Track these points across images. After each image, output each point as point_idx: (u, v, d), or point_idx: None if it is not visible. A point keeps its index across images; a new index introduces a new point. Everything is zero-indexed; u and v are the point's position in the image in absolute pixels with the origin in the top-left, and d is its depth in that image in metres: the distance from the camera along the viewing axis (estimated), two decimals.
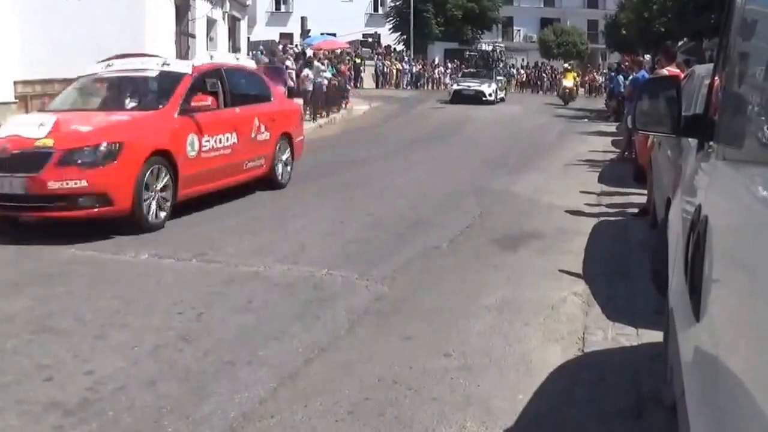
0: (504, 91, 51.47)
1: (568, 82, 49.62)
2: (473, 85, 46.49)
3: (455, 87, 47.11)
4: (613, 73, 36.17)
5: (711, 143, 3.99)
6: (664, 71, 13.54)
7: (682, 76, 11.65)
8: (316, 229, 11.29)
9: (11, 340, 6.60)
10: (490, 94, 45.71)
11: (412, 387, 5.72)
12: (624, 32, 49.51)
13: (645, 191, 11.98)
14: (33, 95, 19.52)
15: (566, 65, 57.79)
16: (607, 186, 15.46)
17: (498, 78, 51.24)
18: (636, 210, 12.35)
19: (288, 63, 30.13)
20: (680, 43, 39.17)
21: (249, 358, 6.24)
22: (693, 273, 3.25)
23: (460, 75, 54.02)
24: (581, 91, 63.09)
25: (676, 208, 4.77)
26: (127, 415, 5.23)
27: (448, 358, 6.32)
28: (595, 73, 66.91)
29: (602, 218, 12.18)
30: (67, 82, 18.76)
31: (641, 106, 4.81)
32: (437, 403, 5.45)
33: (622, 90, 25.72)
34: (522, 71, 71.32)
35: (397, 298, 7.99)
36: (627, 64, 29.55)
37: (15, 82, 19.34)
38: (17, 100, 19.41)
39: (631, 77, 21.61)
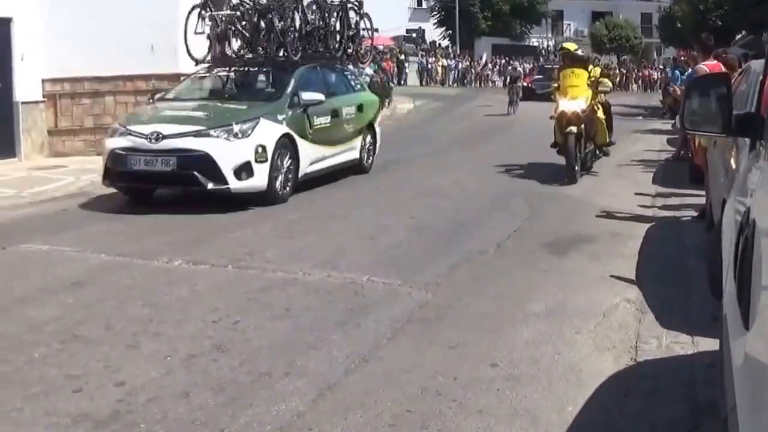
0: None
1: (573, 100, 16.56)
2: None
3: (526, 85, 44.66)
4: (668, 69, 35.68)
5: (762, 142, 3.81)
6: (702, 66, 13.18)
7: (737, 69, 11.32)
8: (357, 232, 11.11)
9: (40, 349, 6.48)
10: None
11: (457, 398, 5.54)
12: (679, 25, 48.84)
13: (702, 192, 11.64)
14: (62, 93, 19.51)
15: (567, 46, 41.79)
16: (662, 187, 15.05)
17: None
18: (694, 212, 11.99)
19: None
20: (738, 37, 38.74)
21: (287, 369, 6.07)
22: (742, 278, 3.17)
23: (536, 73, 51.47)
24: (634, 87, 62.29)
25: (729, 210, 4.65)
26: (160, 427, 5.12)
27: (494, 367, 6.13)
28: (649, 69, 66.04)
29: (657, 221, 11.86)
30: (98, 80, 18.88)
31: (690, 105, 4.74)
32: (483, 416, 5.28)
33: (680, 86, 25.26)
34: None
35: (441, 305, 7.78)
36: (683, 59, 29.06)
37: (43, 81, 19.28)
38: (45, 99, 19.36)
39: (687, 73, 21.15)
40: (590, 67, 16.88)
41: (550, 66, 46.76)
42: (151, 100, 15.09)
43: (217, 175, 12.29)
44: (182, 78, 15.00)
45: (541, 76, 45.47)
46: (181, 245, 10.18)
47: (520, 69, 50.24)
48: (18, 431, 5.07)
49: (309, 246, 10.27)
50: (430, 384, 5.78)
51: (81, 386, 5.72)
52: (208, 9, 15.72)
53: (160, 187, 13.39)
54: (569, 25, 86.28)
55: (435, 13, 74.67)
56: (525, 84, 43.53)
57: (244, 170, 12.44)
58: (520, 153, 20.88)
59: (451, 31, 70.94)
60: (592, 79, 15.90)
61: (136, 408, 5.36)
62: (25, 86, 18.65)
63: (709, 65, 13.12)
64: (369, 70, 32.08)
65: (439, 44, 70.97)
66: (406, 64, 58.97)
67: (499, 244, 10.37)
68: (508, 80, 43.16)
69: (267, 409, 5.34)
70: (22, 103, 18.55)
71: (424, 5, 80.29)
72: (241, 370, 6.05)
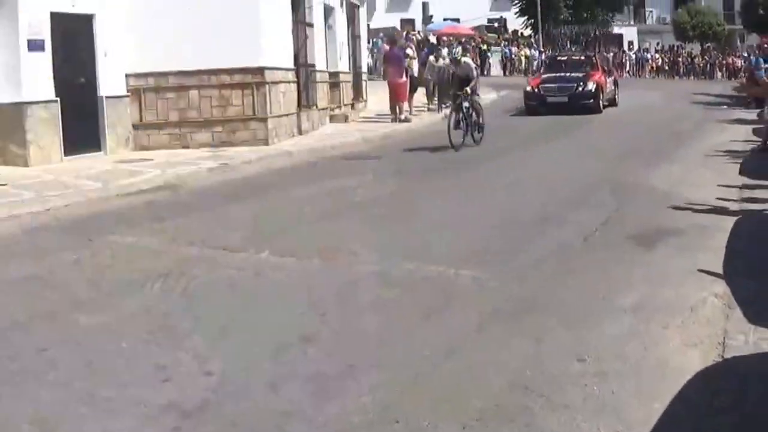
0: (615, 88, 33.87)
1: None
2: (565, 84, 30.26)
3: (530, 89, 31.00)
4: (752, 57, 34.94)
5: None
6: None
7: None
8: (444, 224, 11.08)
9: (129, 340, 6.53)
10: (589, 96, 29.83)
11: (544, 393, 5.43)
12: (762, 11, 47.79)
13: None
14: (146, 88, 19.74)
15: None
16: (749, 179, 14.70)
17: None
18: None
19: (408, 51, 29.79)
20: None
21: (373, 361, 6.04)
22: None
23: (542, 69, 37.42)
24: (718, 74, 60.85)
25: None
26: (248, 417, 5.11)
27: (582, 362, 5.99)
28: (733, 56, 64.74)
29: (744, 213, 11.57)
30: (182, 74, 19.07)
31: None
32: (569, 411, 5.17)
33: (764, 75, 24.80)
34: (657, 55, 69.10)
35: (528, 299, 7.67)
36: (766, 46, 28.49)
37: (127, 76, 19.53)
38: (129, 94, 19.64)
39: None
40: None
41: (568, 57, 35.65)
42: None
43: None
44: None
45: (554, 75, 31.39)
46: (268, 237, 10.24)
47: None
48: (108, 420, 5.09)
49: (396, 238, 10.25)
50: (517, 378, 5.69)
51: (170, 376, 5.75)
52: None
53: None
54: (651, 12, 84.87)
55: (516, 1, 74.02)
56: (529, 89, 30.91)
57: None
58: (605, 143, 20.73)
59: (533, 20, 70.26)
60: None
61: (225, 398, 5.37)
62: (109, 81, 18.96)
63: None
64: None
65: (522, 33, 70.31)
66: (489, 54, 58.61)
67: (586, 236, 10.22)
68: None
69: (354, 401, 5.30)
70: (107, 97, 18.83)
71: None
72: (329, 361, 6.03)
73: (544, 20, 67.97)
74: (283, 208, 12.24)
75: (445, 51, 31.13)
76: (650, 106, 33.86)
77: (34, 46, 16.80)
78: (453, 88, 20.88)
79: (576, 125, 25.96)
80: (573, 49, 62.54)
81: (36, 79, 16.82)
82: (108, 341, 6.50)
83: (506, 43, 64.62)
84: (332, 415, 5.10)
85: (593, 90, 29.87)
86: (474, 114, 20.47)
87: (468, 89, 19.98)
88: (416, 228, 10.91)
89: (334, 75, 26.92)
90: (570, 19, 73.07)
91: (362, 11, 32.51)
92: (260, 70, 19.61)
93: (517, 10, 73.74)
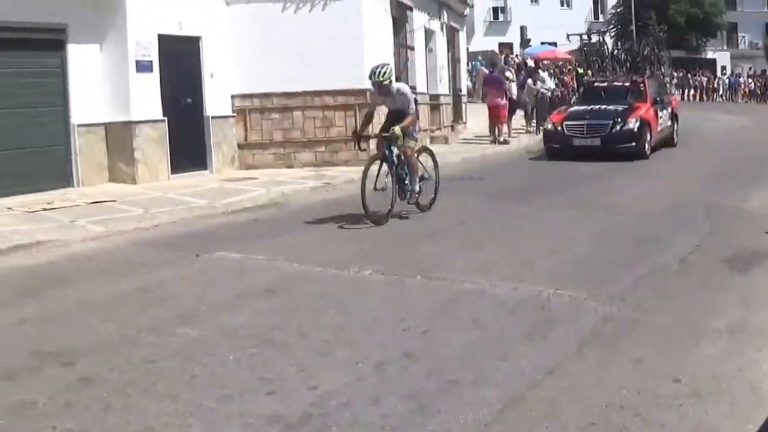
0: (673, 123, 26.43)
1: None
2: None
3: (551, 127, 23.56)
4: None
5: None
6: None
7: None
8: (542, 245, 11.09)
9: (234, 353, 6.67)
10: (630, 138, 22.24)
11: (640, 413, 5.45)
12: None
13: None
14: (251, 109, 20.18)
15: None
16: None
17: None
18: None
19: (508, 74, 29.85)
20: None
21: (474, 378, 6.08)
22: None
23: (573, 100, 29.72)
24: None
25: None
26: (351, 431, 5.17)
27: (677, 383, 5.99)
28: None
29: None
30: (286, 96, 19.38)
31: None
32: (664, 430, 5.20)
33: None
34: (750, 80, 68.36)
35: (626, 320, 7.67)
36: None
37: (233, 96, 19.94)
38: (235, 114, 20.09)
39: None
40: None
41: (609, 83, 25.94)
42: None
43: None
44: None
45: (585, 109, 23.59)
46: (371, 255, 10.38)
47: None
48: (212, 430, 5.21)
49: (495, 258, 10.29)
50: (614, 398, 5.70)
51: (274, 389, 5.85)
52: None
53: None
54: (744, 37, 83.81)
55: (612, 26, 73.79)
56: (550, 126, 23.64)
57: None
58: (699, 166, 20.45)
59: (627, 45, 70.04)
60: None
61: (328, 411, 5.44)
62: (215, 102, 19.42)
63: None
64: (551, 84, 31.88)
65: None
66: (585, 78, 58.36)
67: (682, 259, 10.17)
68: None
69: (454, 417, 5.34)
70: (213, 117, 19.26)
71: (601, 18, 79.16)
72: (430, 378, 6.08)
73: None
74: (385, 227, 12.32)
75: (542, 74, 31.17)
76: (742, 130, 33.30)
77: (143, 67, 17.27)
78: (385, 124, 13.43)
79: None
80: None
81: (144, 100, 17.30)
82: (214, 354, 6.63)
83: None
84: (432, 431, 5.15)
85: (636, 129, 22.25)
86: (407, 167, 13.16)
87: (397, 129, 12.66)
88: (516, 248, 10.98)
89: (434, 97, 27.04)
90: (664, 43, 72.54)
91: (462, 35, 32.62)
92: (362, 92, 19.78)
93: (613, 34, 73.44)
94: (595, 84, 26.72)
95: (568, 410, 5.50)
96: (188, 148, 18.55)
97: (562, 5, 78.84)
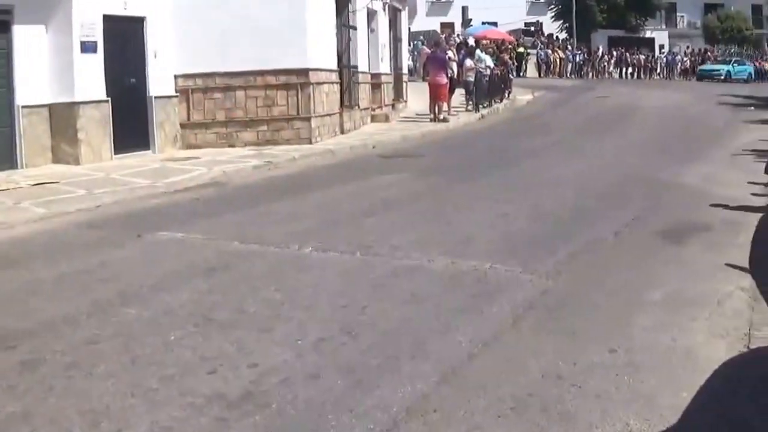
0: None
1: None
2: None
3: None
4: None
5: None
6: None
7: None
8: (480, 220, 11.20)
9: (175, 333, 6.69)
10: None
11: (576, 383, 5.58)
12: None
13: None
14: (194, 88, 20.08)
15: None
16: None
17: None
18: None
19: (449, 53, 29.99)
20: None
21: (412, 352, 6.17)
22: None
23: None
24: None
25: None
26: (291, 408, 5.23)
27: (612, 353, 6.15)
28: (761, 60, 64.76)
29: None
30: (229, 75, 19.39)
31: None
32: (601, 400, 5.32)
33: None
34: (686, 58, 69.22)
35: (562, 292, 7.83)
36: None
37: (176, 76, 19.88)
38: (178, 94, 19.98)
39: None
40: None
41: None
42: None
43: None
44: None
45: None
46: (311, 233, 10.39)
47: None
48: (155, 411, 5.22)
49: (433, 234, 10.38)
50: (550, 369, 5.83)
51: (215, 368, 5.88)
52: None
53: None
54: (682, 17, 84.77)
55: (552, 6, 74.21)
56: None
57: None
58: (635, 142, 20.77)
59: (568, 24, 70.41)
60: None
61: (269, 389, 5.49)
62: (159, 82, 19.29)
63: None
64: (490, 63, 32.04)
65: (557, 37, 70.48)
66: (525, 57, 58.75)
67: (617, 232, 10.39)
68: None
69: (393, 391, 5.42)
70: (156, 97, 19.14)
71: None
72: (369, 353, 6.16)
73: (579, 24, 68.12)
74: (325, 205, 12.40)
75: (480, 53, 31.44)
76: (680, 107, 33.72)
77: (87, 47, 17.11)
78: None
79: (610, 123, 26.28)
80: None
81: (88, 80, 17.14)
82: (155, 334, 6.64)
83: (542, 46, 64.65)
84: (371, 405, 5.22)
85: None
86: None
87: None
88: (454, 223, 11.06)
89: (375, 76, 27.12)
90: (604, 23, 73.19)
91: (404, 15, 32.62)
92: (305, 72, 19.84)
93: (553, 14, 74.00)
94: None
95: (505, 382, 5.60)
96: (131, 128, 18.39)
97: None
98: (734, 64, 62.82)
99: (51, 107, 17.05)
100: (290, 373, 5.77)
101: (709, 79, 58.74)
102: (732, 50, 71.57)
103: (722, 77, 59.90)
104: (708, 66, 64.10)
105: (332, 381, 5.63)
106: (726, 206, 11.94)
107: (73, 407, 5.29)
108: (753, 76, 62.30)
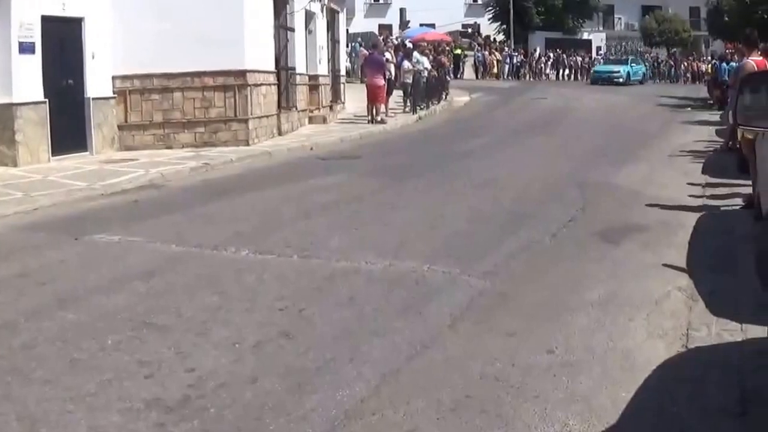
0: None
1: None
2: None
3: None
4: (716, 62, 35.45)
5: None
6: (749, 61, 13.30)
7: None
8: (417, 222, 11.27)
9: (112, 337, 6.65)
10: None
11: (515, 384, 5.65)
12: (726, 19, 48.36)
13: (750, 182, 11.63)
14: (132, 90, 19.92)
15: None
16: (711, 177, 15.06)
17: None
18: (742, 202, 12.01)
19: (387, 55, 30.10)
20: None
21: (351, 355, 6.20)
22: None
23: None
24: (683, 79, 62.34)
25: None
26: (229, 412, 5.24)
27: (551, 354, 6.23)
28: (698, 62, 65.72)
29: (707, 210, 11.88)
30: (166, 77, 19.28)
31: (742, 101, 4.69)
32: (540, 401, 5.38)
33: (727, 78, 25.29)
34: None
35: (499, 294, 7.90)
36: (730, 51, 29.02)
37: (113, 77, 19.70)
38: (115, 95, 19.79)
39: (734, 65, 21.18)
40: None
41: None
42: None
43: None
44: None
45: None
46: (248, 235, 10.38)
47: None
48: (92, 416, 5.20)
49: (370, 236, 10.44)
50: (488, 370, 5.88)
51: (153, 372, 5.88)
52: None
53: None
54: (620, 18, 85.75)
55: (490, 8, 74.69)
56: None
57: None
58: (573, 144, 20.98)
59: (505, 26, 71.01)
60: None
61: (206, 393, 5.49)
62: (96, 83, 19.05)
63: (757, 61, 13.22)
64: (427, 64, 32.16)
65: (494, 39, 71.01)
66: (463, 59, 59.10)
67: (554, 233, 10.48)
68: None
69: (332, 395, 5.45)
70: (93, 99, 18.91)
71: (479, 0, 80.00)
72: (307, 356, 6.18)
73: (516, 26, 68.69)
74: (263, 207, 12.40)
75: (418, 54, 31.56)
76: (617, 108, 34.18)
77: (25, 48, 16.87)
78: None
79: (547, 124, 26.65)
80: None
81: (26, 81, 16.87)
82: (93, 338, 6.60)
83: (479, 47, 65.07)
84: (310, 409, 5.25)
85: None
86: None
87: None
88: (391, 225, 11.10)
89: (313, 78, 27.06)
90: (541, 25, 73.82)
91: (342, 17, 32.67)
92: (242, 73, 19.80)
93: (491, 16, 74.51)
94: None
95: (444, 383, 5.66)
96: (69, 129, 18.16)
97: None
98: (632, 64, 60.21)
99: None
100: (228, 377, 5.77)
101: (608, 83, 53.32)
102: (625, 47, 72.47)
103: (622, 80, 55.42)
104: (603, 66, 60.10)
105: (271, 385, 5.64)
106: (662, 206, 12.09)
107: (12, 413, 5.26)
108: (647, 77, 62.60)
